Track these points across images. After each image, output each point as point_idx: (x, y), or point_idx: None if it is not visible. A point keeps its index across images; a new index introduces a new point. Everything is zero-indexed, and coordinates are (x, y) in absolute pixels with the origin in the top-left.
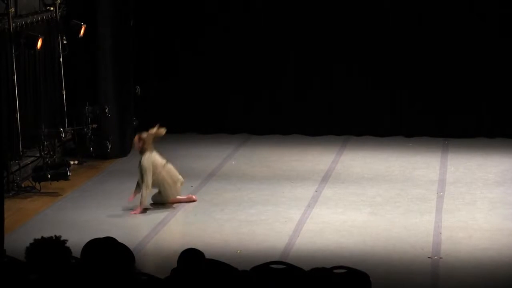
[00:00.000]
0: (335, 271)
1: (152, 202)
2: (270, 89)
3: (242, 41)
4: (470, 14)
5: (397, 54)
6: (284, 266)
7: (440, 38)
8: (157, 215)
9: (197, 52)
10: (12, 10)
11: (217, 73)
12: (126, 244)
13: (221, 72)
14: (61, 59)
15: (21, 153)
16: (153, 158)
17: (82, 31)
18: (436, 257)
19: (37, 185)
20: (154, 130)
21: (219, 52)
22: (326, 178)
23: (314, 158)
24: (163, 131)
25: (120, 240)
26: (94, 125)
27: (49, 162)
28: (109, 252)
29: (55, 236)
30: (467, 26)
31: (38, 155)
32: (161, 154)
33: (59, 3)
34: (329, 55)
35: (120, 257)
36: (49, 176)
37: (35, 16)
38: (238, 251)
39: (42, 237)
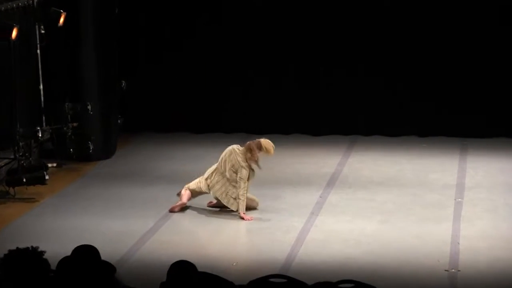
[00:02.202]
0: (341, 285)
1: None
2: (270, 84)
3: (241, 32)
4: (492, 7)
5: (410, 46)
6: (285, 280)
7: (460, 30)
8: (145, 223)
9: (191, 44)
10: None
11: (213, 67)
12: (111, 255)
13: (217, 66)
14: (38, 51)
15: None
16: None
17: (62, 19)
18: (453, 270)
19: (11, 190)
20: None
21: (215, 44)
22: (331, 182)
23: (318, 160)
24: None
25: (104, 251)
26: (75, 124)
27: (24, 164)
28: (86, 265)
29: (32, 247)
30: (489, 18)
31: (12, 157)
32: (150, 155)
33: None
34: (335, 47)
35: (100, 271)
36: (24, 180)
37: (9, 2)
38: (234, 264)
39: (17, 248)
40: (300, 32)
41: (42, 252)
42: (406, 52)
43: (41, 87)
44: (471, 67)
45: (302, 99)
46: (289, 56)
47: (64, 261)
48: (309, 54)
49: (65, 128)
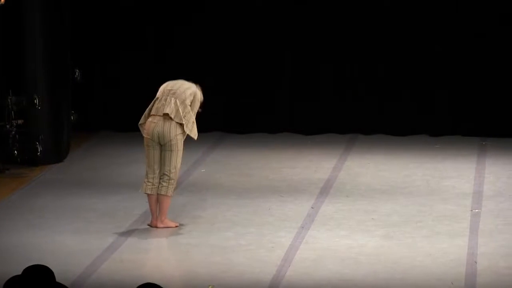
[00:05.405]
0: None
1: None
2: (254, 73)
3: (219, 21)
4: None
5: (423, 36)
6: None
7: (482, 21)
8: (103, 239)
9: (160, 25)
10: None
11: (184, 53)
12: (64, 277)
13: (188, 52)
14: None
15: None
16: None
17: None
18: None
19: None
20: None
21: (192, 27)
22: (325, 190)
23: (311, 164)
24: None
25: (55, 271)
26: (20, 121)
27: None
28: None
29: None
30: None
31: None
32: (109, 158)
33: None
34: (334, 34)
35: None
36: None
37: None
38: (210, 287)
39: None
40: (289, 19)
41: None
42: (417, 41)
43: None
44: (489, 58)
45: (292, 92)
46: (281, 44)
47: (13, 281)
48: (302, 42)
49: (8, 126)
